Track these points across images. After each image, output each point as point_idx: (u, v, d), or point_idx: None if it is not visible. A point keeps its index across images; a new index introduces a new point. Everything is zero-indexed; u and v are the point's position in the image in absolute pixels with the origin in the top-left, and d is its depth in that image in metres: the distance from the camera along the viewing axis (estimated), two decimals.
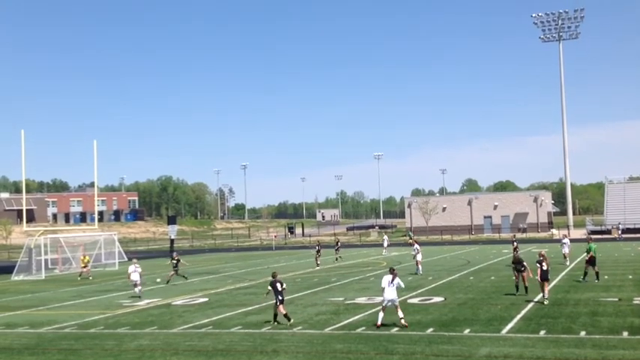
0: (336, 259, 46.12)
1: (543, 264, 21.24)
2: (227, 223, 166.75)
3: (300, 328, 18.60)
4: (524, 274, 23.26)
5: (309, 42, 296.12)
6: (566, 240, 36.77)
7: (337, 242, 49.63)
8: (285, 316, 18.95)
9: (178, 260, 36.12)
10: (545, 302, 20.91)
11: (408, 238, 53.44)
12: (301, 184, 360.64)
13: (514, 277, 24.11)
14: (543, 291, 21.28)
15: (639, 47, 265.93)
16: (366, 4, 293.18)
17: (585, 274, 26.72)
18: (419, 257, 34.11)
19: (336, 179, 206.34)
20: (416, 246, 35.12)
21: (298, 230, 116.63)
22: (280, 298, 19.10)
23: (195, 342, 17.16)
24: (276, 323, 19.16)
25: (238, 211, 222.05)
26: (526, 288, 23.15)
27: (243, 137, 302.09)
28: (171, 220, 73.26)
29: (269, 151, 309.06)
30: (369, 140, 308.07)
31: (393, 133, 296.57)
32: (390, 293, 18.01)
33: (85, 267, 41.74)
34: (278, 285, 19.22)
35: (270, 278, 19.92)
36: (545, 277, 21.28)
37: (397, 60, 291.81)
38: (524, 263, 23.59)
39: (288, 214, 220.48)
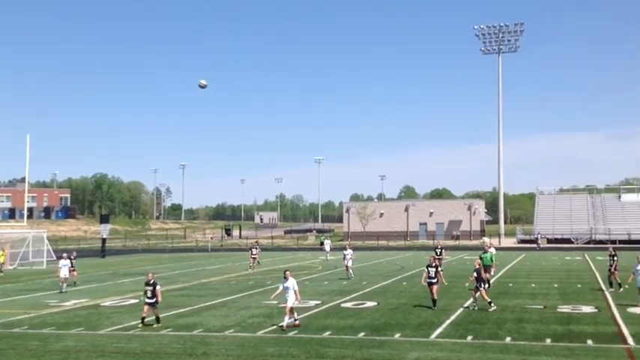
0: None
1: (478, 272, 21.59)
2: (162, 224, 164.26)
3: (232, 331, 18.47)
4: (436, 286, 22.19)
5: (250, 41, 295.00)
6: (492, 249, 37.50)
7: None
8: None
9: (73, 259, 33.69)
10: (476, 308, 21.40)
11: None
12: (240, 185, 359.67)
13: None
14: (484, 298, 21.55)
15: (574, 62, 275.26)
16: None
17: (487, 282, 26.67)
18: (349, 263, 34.21)
19: (276, 182, 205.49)
20: (348, 251, 35.10)
21: (235, 232, 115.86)
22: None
23: (122, 344, 16.79)
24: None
25: (175, 211, 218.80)
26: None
27: (183, 137, 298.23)
28: (104, 219, 71.73)
29: (208, 151, 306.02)
30: (310, 144, 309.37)
31: (334, 138, 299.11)
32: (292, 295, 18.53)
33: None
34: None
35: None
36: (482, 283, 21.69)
37: (339, 65, 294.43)
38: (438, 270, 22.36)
39: (226, 215, 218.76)
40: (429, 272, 22.01)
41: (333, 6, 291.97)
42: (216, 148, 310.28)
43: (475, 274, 21.69)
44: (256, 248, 45.20)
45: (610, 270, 26.67)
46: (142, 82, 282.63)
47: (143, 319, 19.43)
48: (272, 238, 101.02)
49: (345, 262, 34.07)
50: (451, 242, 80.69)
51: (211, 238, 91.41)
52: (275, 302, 24.45)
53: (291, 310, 18.69)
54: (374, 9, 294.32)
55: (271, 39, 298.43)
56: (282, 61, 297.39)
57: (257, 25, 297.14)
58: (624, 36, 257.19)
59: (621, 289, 25.90)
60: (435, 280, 21.91)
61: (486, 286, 23.00)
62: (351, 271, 33.98)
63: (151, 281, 19.41)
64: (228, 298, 26.44)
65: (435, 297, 21.99)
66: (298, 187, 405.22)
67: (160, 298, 19.61)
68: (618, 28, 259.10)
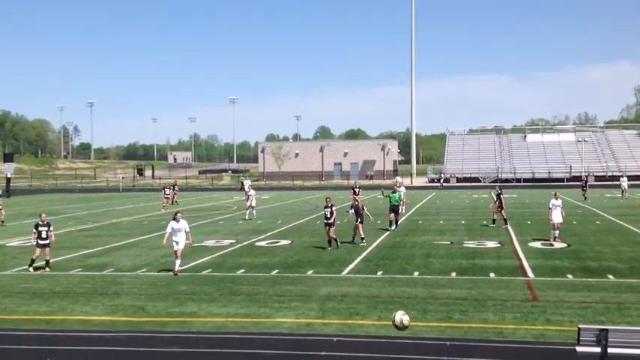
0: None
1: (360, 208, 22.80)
2: (71, 163, 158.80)
3: (144, 270, 18.27)
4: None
5: None
6: (402, 188, 38.33)
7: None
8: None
9: None
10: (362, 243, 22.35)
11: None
12: (152, 125, 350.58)
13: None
14: (359, 232, 22.69)
15: (482, 8, 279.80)
16: None
17: (390, 222, 27.20)
18: (253, 202, 34.05)
19: (190, 122, 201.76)
20: (252, 191, 35.03)
21: (148, 172, 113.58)
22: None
23: (30, 284, 16.34)
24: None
25: (84, 150, 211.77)
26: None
27: (91, 75, 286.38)
28: (8, 158, 68.88)
29: (119, 90, 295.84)
30: (225, 83, 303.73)
31: (249, 78, 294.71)
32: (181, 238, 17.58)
33: None
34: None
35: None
36: (362, 220, 22.77)
37: (254, 4, 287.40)
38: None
39: (138, 155, 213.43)
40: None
41: None
42: (128, 87, 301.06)
43: (352, 210, 22.94)
44: (169, 188, 44.63)
45: (499, 207, 27.98)
46: (45, 19, 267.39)
47: (32, 261, 18.42)
48: (186, 178, 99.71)
49: (249, 202, 34.13)
50: (365, 182, 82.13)
51: (123, 177, 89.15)
52: (188, 241, 24.25)
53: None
54: None
55: None
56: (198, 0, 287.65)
57: None
58: None
59: (507, 225, 27.43)
60: (330, 222, 21.61)
61: (359, 223, 22.80)
62: (254, 212, 34.06)
63: (45, 222, 18.55)
64: (140, 238, 26.05)
65: (333, 236, 21.67)
66: (213, 127, 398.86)
67: (53, 239, 18.96)
68: None
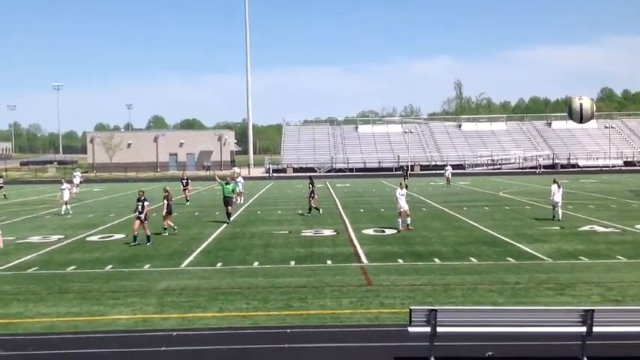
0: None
1: (168, 200, 23.04)
2: None
3: None
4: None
5: None
6: (240, 179, 38.34)
7: None
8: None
9: None
10: (166, 234, 22.64)
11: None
12: None
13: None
14: (167, 223, 23.03)
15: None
16: None
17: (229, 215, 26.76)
18: (65, 196, 31.66)
19: (9, 109, 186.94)
20: (65, 185, 32.43)
21: None
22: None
23: None
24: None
25: None
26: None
27: None
28: None
29: None
30: (47, 67, 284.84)
31: (75, 62, 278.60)
32: None
33: None
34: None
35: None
36: (170, 211, 23.14)
37: None
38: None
39: None
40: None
41: None
42: None
43: (165, 201, 23.08)
44: None
45: (310, 196, 29.07)
46: None
47: None
48: (6, 170, 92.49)
49: (65, 197, 31.69)
50: (202, 173, 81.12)
51: None
52: (12, 238, 22.61)
53: None
54: None
55: None
56: None
57: None
58: None
59: (321, 212, 28.76)
60: (142, 215, 20.66)
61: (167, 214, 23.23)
62: (69, 207, 31.97)
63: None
64: None
65: (144, 232, 20.77)
66: (36, 115, 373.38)
67: None
68: None
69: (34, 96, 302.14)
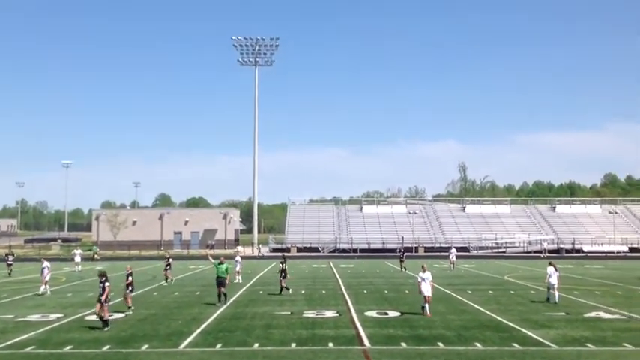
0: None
1: (130, 278, 24.13)
2: None
3: None
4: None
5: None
6: (237, 257, 38.40)
7: None
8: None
9: None
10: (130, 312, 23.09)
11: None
12: None
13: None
14: (126, 302, 24.07)
15: (324, 81, 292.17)
16: None
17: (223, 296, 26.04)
18: (46, 275, 30.71)
19: (18, 187, 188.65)
20: (46, 264, 31.66)
21: None
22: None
23: None
24: None
25: None
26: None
27: None
28: None
29: None
30: (58, 147, 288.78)
31: (85, 142, 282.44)
32: None
33: None
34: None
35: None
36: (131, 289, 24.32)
37: (92, 67, 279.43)
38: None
39: None
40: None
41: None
42: None
43: (128, 279, 24.14)
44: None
45: (281, 275, 29.21)
46: None
47: None
48: (10, 247, 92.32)
49: (44, 276, 30.90)
50: (203, 251, 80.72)
51: None
52: (11, 316, 22.38)
53: None
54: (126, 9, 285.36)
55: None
56: (28, 58, 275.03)
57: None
58: (376, 59, 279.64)
59: (290, 291, 29.13)
60: (102, 297, 19.52)
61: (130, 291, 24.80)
62: (47, 286, 30.96)
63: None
64: None
65: (104, 314, 19.60)
66: (44, 192, 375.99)
67: None
68: (372, 50, 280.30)
69: (43, 174, 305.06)
